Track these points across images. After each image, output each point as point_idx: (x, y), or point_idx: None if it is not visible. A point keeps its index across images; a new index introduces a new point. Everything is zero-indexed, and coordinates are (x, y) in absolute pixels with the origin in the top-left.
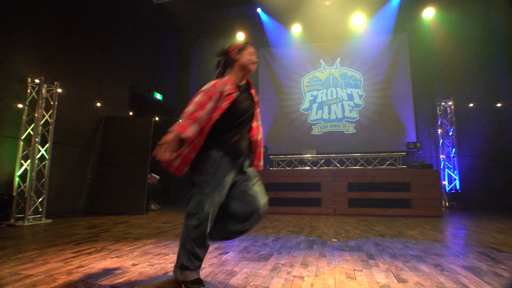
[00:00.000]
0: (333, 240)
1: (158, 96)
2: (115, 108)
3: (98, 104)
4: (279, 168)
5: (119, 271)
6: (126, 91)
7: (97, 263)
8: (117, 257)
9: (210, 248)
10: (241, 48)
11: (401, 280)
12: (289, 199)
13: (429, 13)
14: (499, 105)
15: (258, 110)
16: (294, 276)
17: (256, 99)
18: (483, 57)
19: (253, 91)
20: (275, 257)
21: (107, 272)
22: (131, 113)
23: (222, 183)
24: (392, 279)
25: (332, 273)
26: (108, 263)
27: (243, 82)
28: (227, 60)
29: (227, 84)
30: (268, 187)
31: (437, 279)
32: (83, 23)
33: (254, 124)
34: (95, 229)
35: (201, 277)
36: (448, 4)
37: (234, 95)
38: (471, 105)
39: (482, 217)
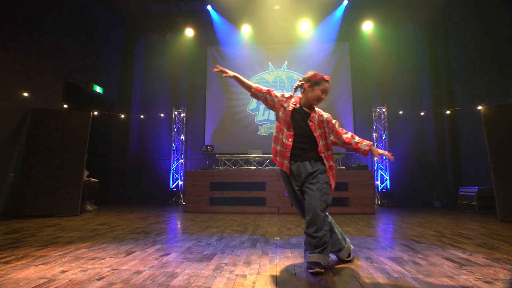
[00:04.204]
0: (275, 238)
1: (98, 89)
2: (46, 99)
3: (25, 94)
4: (225, 168)
5: (43, 280)
6: (60, 82)
7: (16, 272)
8: (43, 264)
9: (151, 250)
10: (317, 82)
11: (337, 274)
12: (234, 198)
13: (368, 26)
14: (422, 113)
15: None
16: (237, 275)
17: (318, 119)
18: (411, 70)
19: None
20: (218, 257)
21: (29, 282)
22: (65, 106)
23: None
24: (328, 273)
25: (274, 270)
26: (31, 271)
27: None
28: (303, 86)
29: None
30: (213, 187)
31: (367, 271)
32: (7, 3)
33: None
34: (17, 234)
35: (140, 281)
36: (384, 20)
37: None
38: (400, 112)
39: (407, 213)
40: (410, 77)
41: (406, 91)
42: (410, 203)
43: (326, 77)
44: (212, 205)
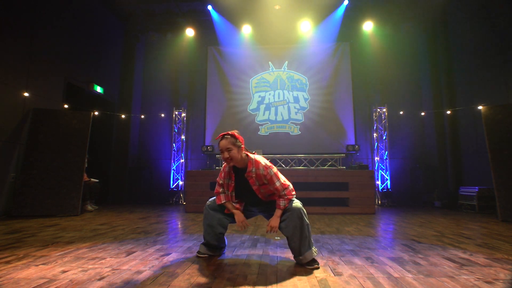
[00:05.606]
0: (276, 238)
1: (99, 89)
2: (46, 99)
3: (26, 94)
4: None
5: (44, 280)
6: (60, 81)
7: (17, 272)
8: (43, 264)
9: (151, 250)
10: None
11: (337, 274)
12: None
13: (368, 26)
14: (422, 113)
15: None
16: (237, 275)
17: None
18: (411, 70)
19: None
20: (219, 257)
21: (29, 282)
22: (66, 106)
23: None
24: (329, 273)
25: (274, 270)
26: (32, 271)
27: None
28: None
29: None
30: (214, 187)
31: (368, 271)
32: (8, 3)
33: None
34: (18, 234)
35: (140, 281)
36: (384, 20)
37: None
38: (401, 112)
39: (407, 213)
40: (411, 77)
41: (407, 91)
42: (410, 203)
43: (221, 134)
44: None
